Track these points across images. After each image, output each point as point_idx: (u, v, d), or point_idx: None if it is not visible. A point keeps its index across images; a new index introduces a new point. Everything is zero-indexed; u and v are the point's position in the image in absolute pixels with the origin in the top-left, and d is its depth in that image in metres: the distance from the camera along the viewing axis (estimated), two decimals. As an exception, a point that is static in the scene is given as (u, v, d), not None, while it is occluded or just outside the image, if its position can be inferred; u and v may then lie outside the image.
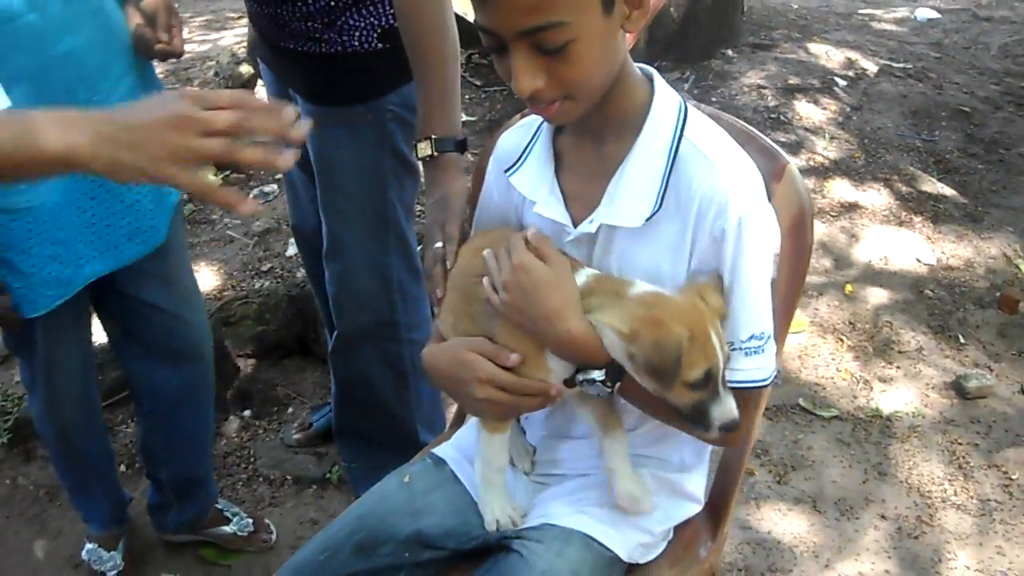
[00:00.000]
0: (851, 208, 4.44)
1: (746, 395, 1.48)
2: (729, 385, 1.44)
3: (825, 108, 5.33)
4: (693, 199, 1.42)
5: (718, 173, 1.42)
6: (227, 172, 4.72)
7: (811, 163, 4.78)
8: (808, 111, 5.28)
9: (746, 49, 6.03)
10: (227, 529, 2.75)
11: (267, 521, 2.84)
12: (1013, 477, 3.00)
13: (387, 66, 2.17)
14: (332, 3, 2.10)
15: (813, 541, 2.77)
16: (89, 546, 2.69)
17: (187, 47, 2.08)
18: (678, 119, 1.47)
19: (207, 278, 3.88)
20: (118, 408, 3.29)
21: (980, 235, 4.29)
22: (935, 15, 7.27)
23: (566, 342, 1.42)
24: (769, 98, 5.34)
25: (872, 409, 3.28)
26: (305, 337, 3.53)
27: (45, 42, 1.86)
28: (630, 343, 1.37)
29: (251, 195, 4.62)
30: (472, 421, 1.86)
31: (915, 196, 4.56)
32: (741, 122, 1.76)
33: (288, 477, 3.06)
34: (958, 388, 3.37)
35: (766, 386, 1.50)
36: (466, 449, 1.79)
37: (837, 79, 5.65)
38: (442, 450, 1.83)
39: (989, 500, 2.92)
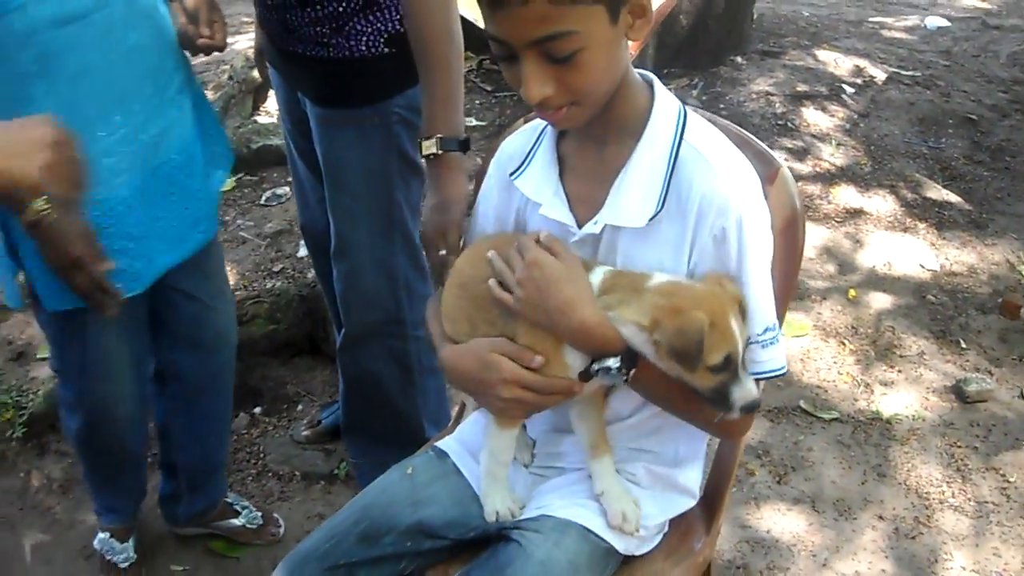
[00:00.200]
0: (856, 214, 4.48)
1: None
2: (753, 376, 1.50)
3: (833, 115, 5.37)
4: (694, 199, 1.48)
5: (717, 175, 1.48)
6: (240, 174, 4.79)
7: (817, 169, 4.81)
8: (816, 118, 5.31)
9: (755, 56, 6.07)
10: (236, 522, 2.80)
11: (276, 515, 2.89)
12: (1011, 480, 3.04)
13: (393, 70, 2.23)
14: (340, 9, 2.17)
15: (811, 540, 2.81)
16: (102, 535, 2.71)
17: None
18: (678, 123, 1.53)
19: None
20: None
21: (984, 241, 4.33)
22: (945, 23, 7.29)
23: (581, 332, 1.47)
24: (777, 105, 5.38)
25: (872, 412, 3.32)
26: (315, 336, 3.59)
27: (112, 39, 1.94)
28: (652, 333, 1.42)
29: (263, 198, 4.68)
30: (474, 416, 1.91)
31: (920, 202, 4.60)
32: (737, 127, 1.81)
33: (297, 473, 3.12)
34: (958, 392, 3.41)
35: (778, 376, 1.56)
36: (468, 442, 1.85)
37: (845, 86, 5.68)
38: (444, 443, 1.88)
39: (986, 502, 2.96)
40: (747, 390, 1.44)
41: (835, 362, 3.56)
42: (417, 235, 2.33)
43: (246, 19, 2.51)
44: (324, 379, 3.52)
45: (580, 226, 1.58)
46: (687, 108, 1.57)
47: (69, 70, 1.87)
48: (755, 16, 6.53)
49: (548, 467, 1.80)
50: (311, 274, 3.71)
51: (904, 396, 3.41)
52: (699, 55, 5.85)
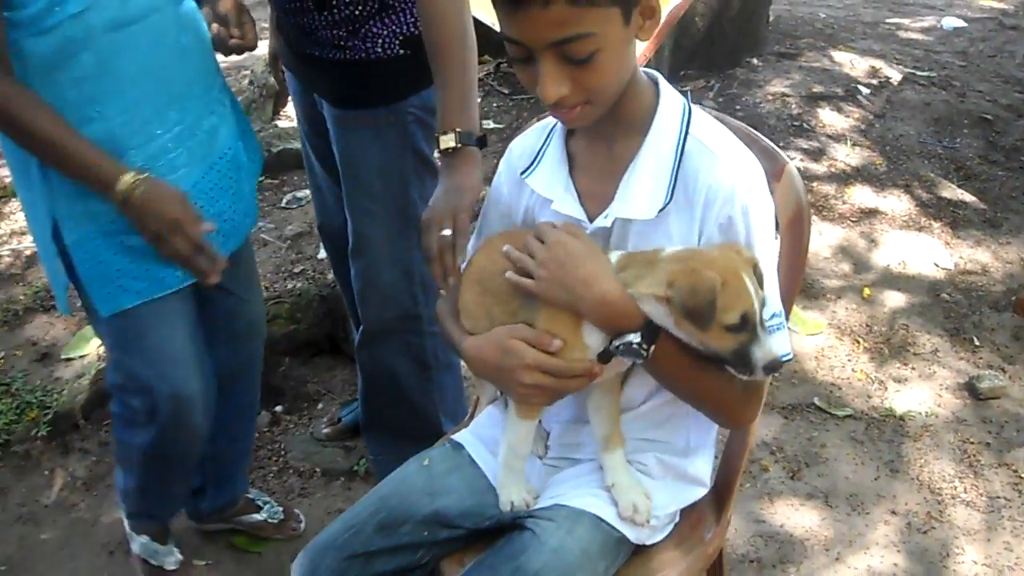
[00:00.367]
0: (871, 214, 4.50)
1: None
2: None
3: (848, 116, 5.39)
4: (700, 190, 1.53)
5: (722, 165, 1.53)
6: (261, 178, 4.84)
7: (832, 170, 4.84)
8: (831, 119, 5.34)
9: (771, 58, 6.10)
10: (258, 517, 2.84)
11: (296, 511, 2.93)
12: (1023, 476, 3.06)
13: (408, 71, 2.28)
14: (357, 12, 2.22)
15: (824, 535, 2.84)
16: (142, 540, 2.68)
17: (219, 57, 2.23)
18: (683, 118, 1.58)
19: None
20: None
21: (998, 240, 4.35)
22: (962, 24, 7.30)
23: (603, 305, 1.50)
24: (793, 106, 5.40)
25: (886, 408, 3.34)
26: (335, 336, 3.64)
27: (165, 41, 2.02)
28: (667, 295, 1.45)
29: (284, 200, 4.74)
30: (488, 409, 1.96)
31: (935, 202, 4.62)
32: (744, 125, 1.86)
33: (317, 469, 3.16)
34: (971, 389, 3.43)
35: (790, 360, 1.59)
36: (483, 435, 1.89)
37: (861, 87, 5.71)
38: (460, 436, 1.93)
39: (998, 497, 2.98)
40: (768, 350, 1.46)
41: (849, 360, 3.59)
42: None
43: (264, 25, 2.55)
44: (344, 378, 3.57)
45: (591, 221, 1.63)
46: (692, 104, 1.61)
47: (127, 72, 1.94)
48: (771, 18, 6.56)
49: (563, 458, 1.84)
50: (331, 275, 3.76)
51: (917, 393, 3.43)
52: (715, 57, 5.89)
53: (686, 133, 1.56)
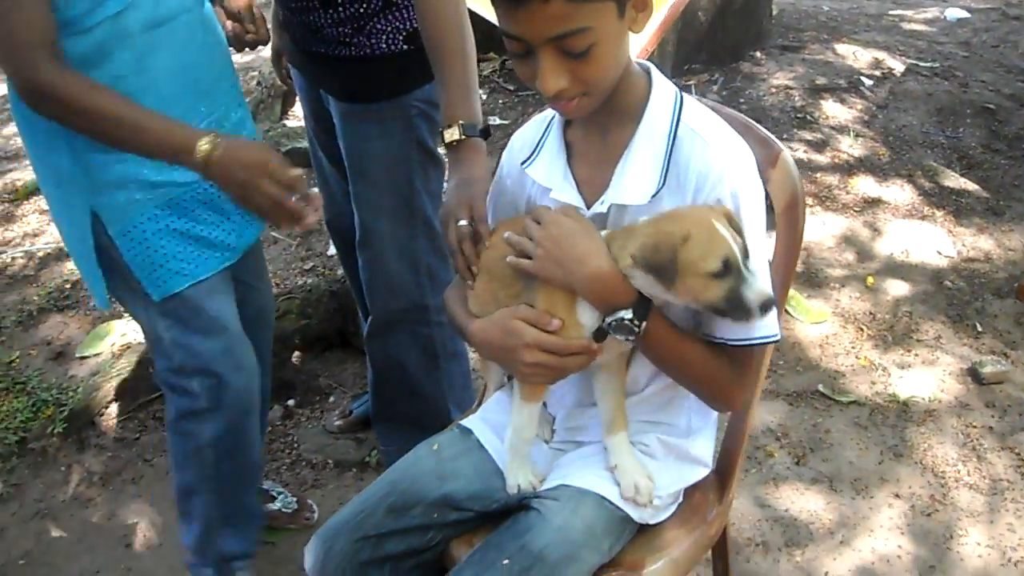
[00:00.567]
0: (874, 203, 4.54)
1: (748, 352, 1.63)
2: (745, 342, 1.59)
3: (851, 107, 5.43)
4: (691, 175, 1.58)
5: (712, 151, 1.57)
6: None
7: (836, 160, 4.88)
8: (834, 110, 5.38)
9: (774, 51, 6.14)
10: (272, 506, 2.88)
11: (309, 501, 2.98)
12: (1025, 458, 3.11)
13: (412, 65, 2.32)
14: (361, 9, 2.28)
15: (829, 519, 2.88)
16: None
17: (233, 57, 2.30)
18: (675, 107, 1.63)
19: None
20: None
21: (1001, 228, 4.38)
22: (965, 15, 7.33)
23: (596, 280, 1.55)
24: (796, 98, 5.44)
25: (889, 395, 3.38)
26: (345, 331, 3.69)
27: (196, 39, 2.09)
28: (633, 255, 1.51)
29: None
30: (496, 395, 2.01)
31: (937, 191, 4.66)
32: (740, 114, 1.90)
33: (330, 461, 3.21)
34: (974, 374, 3.47)
35: (773, 342, 1.63)
36: (490, 420, 1.93)
37: (864, 79, 5.74)
38: (469, 421, 1.97)
39: (1001, 480, 3.02)
40: (758, 289, 1.50)
41: (853, 347, 3.63)
42: (438, 222, 2.42)
43: (271, 26, 2.63)
44: (355, 371, 3.62)
45: (589, 207, 1.67)
46: (684, 94, 1.66)
47: (162, 69, 2.00)
48: (775, 11, 6.60)
49: (568, 441, 1.89)
50: (340, 270, 3.80)
51: (921, 379, 3.46)
52: (719, 51, 5.93)
53: (678, 121, 1.61)
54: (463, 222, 1.83)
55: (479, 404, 2.10)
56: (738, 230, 1.53)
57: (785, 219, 1.83)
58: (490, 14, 2.98)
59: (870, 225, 4.37)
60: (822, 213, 4.44)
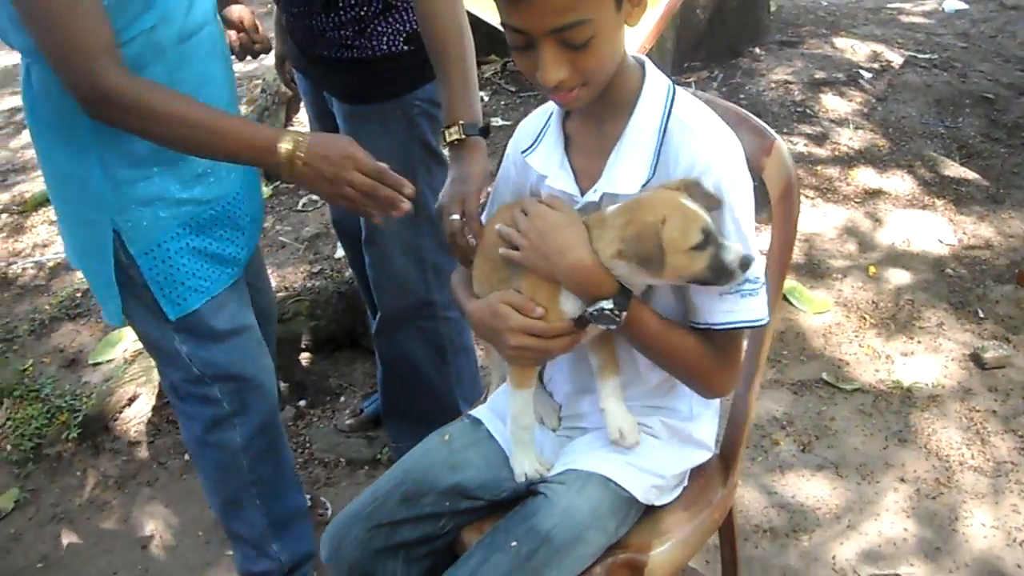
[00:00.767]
0: (875, 194, 4.57)
1: (732, 337, 1.68)
2: (728, 326, 1.64)
3: (851, 100, 5.47)
4: (679, 165, 1.62)
5: (700, 142, 1.62)
6: (277, 182, 4.95)
7: (836, 153, 4.92)
8: (834, 104, 5.41)
9: (773, 46, 6.18)
10: (285, 504, 2.92)
11: (323, 499, 3.03)
12: (1029, 441, 3.14)
13: (413, 66, 2.38)
14: (363, 12, 2.33)
15: (835, 504, 2.91)
16: None
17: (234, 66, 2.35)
18: (667, 99, 1.67)
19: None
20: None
21: (1001, 215, 4.41)
22: (963, 6, 7.35)
23: (577, 271, 1.60)
24: (795, 93, 5.48)
25: (893, 381, 3.41)
26: (354, 331, 3.74)
27: (216, 50, 2.13)
28: (620, 249, 1.56)
29: (300, 204, 4.84)
30: (503, 386, 2.05)
31: (938, 181, 4.69)
32: (733, 105, 1.94)
33: (342, 459, 3.26)
34: (976, 359, 3.50)
35: (761, 326, 1.68)
36: (499, 410, 1.98)
37: (863, 72, 5.78)
38: (478, 412, 2.02)
39: (1005, 462, 3.04)
40: (734, 251, 1.56)
41: (856, 336, 3.66)
42: None
43: (269, 34, 2.67)
44: (364, 371, 3.67)
45: (584, 195, 1.72)
46: (677, 87, 1.71)
47: (191, 80, 1.99)
48: (773, 8, 6.64)
49: (573, 428, 1.93)
50: (348, 272, 3.86)
51: (924, 365, 3.50)
52: (718, 48, 5.97)
53: (669, 113, 1.66)
54: (455, 216, 1.89)
55: (486, 398, 2.15)
56: (705, 196, 1.58)
57: (781, 207, 1.88)
58: (490, 17, 3.04)
59: (871, 216, 4.41)
60: (823, 205, 4.48)
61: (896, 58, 5.99)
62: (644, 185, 1.65)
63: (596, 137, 1.72)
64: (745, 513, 2.87)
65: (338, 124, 2.56)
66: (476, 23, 2.21)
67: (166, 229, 2.09)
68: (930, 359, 3.53)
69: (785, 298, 3.82)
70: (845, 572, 2.68)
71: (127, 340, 3.81)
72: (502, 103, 5.62)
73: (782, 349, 3.59)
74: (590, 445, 1.85)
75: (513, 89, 5.75)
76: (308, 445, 3.34)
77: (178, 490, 3.19)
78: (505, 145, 1.97)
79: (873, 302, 3.85)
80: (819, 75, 5.70)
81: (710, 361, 1.69)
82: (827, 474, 3.02)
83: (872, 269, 4.03)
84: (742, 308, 1.63)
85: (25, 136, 6.20)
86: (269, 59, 2.67)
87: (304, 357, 3.71)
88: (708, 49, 5.94)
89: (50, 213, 4.98)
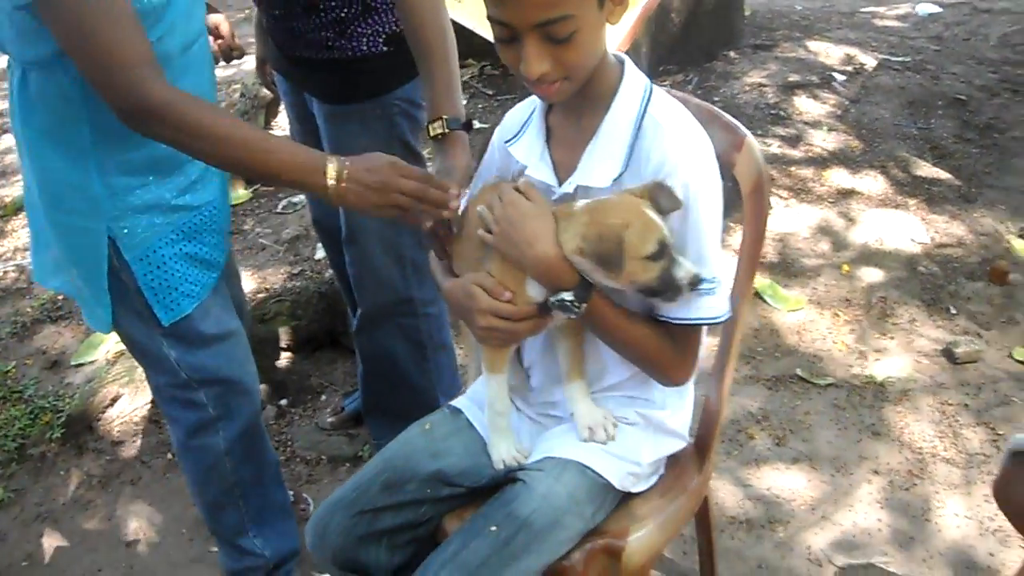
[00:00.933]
0: (848, 194, 4.63)
1: (688, 331, 1.74)
2: (688, 321, 1.70)
3: (824, 102, 5.53)
4: (650, 162, 1.68)
5: (672, 142, 1.67)
6: (256, 186, 4.99)
7: (809, 154, 4.98)
8: (808, 106, 5.48)
9: (748, 50, 6.24)
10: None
11: (305, 495, 3.06)
12: (1000, 432, 3.18)
13: (392, 67, 2.43)
14: (343, 14, 2.37)
15: (810, 495, 2.96)
16: None
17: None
18: (644, 97, 1.72)
19: (242, 283, 4.11)
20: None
21: (972, 214, 4.47)
22: (936, 9, 7.43)
23: (542, 262, 1.65)
24: (769, 95, 5.54)
25: (866, 376, 3.47)
26: (335, 331, 3.77)
27: (207, 60, 2.17)
28: (581, 247, 1.62)
29: (280, 206, 4.87)
30: (481, 377, 2.10)
31: (910, 181, 4.75)
32: (706, 103, 2.00)
33: (323, 457, 3.29)
34: (948, 354, 3.56)
35: (720, 323, 1.73)
36: (479, 400, 2.02)
37: (836, 74, 5.84)
38: (458, 402, 2.07)
39: (977, 454, 3.10)
40: (686, 269, 1.62)
41: (830, 332, 3.72)
42: None
43: (249, 40, 2.69)
44: (345, 370, 3.70)
45: (560, 186, 1.77)
46: (654, 85, 1.76)
47: (190, 88, 1.92)
48: (748, 12, 6.70)
49: (547, 415, 1.98)
50: (328, 273, 3.89)
51: (896, 360, 3.55)
52: (692, 51, 6.03)
53: (645, 110, 1.71)
54: None
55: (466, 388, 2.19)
56: (669, 198, 1.63)
57: (751, 201, 1.93)
58: (470, 23, 3.09)
59: (844, 215, 4.46)
60: (797, 205, 4.53)
61: (869, 61, 6.06)
62: (616, 179, 1.70)
63: (575, 130, 1.77)
64: (721, 505, 2.91)
65: (318, 125, 2.59)
66: (455, 28, 2.25)
67: (161, 235, 2.12)
68: (903, 354, 3.59)
69: (760, 296, 3.88)
70: (820, 562, 2.72)
71: (109, 341, 3.83)
72: (479, 106, 5.66)
73: (757, 346, 3.64)
74: (567, 434, 1.89)
75: (490, 92, 5.80)
76: (290, 443, 3.37)
77: (162, 488, 3.22)
78: (483, 146, 2.02)
79: (846, 299, 3.90)
80: (793, 78, 5.76)
81: (668, 352, 1.76)
82: (802, 467, 3.07)
83: (845, 267, 4.09)
84: (700, 305, 1.70)
85: (3, 142, 6.22)
86: (247, 64, 2.71)
87: (285, 357, 3.74)
88: (683, 53, 5.99)
89: (30, 217, 4.99)
